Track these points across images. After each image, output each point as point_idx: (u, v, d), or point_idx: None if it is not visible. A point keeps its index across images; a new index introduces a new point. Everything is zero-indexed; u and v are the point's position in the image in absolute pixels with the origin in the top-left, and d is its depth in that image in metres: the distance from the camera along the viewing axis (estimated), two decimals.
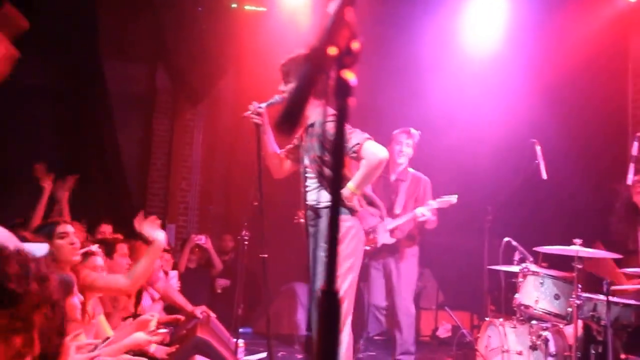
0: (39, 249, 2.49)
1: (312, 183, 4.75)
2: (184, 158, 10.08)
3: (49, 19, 8.09)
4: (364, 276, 6.49)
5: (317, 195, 4.63)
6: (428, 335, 9.22)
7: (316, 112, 4.56)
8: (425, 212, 6.37)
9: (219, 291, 8.85)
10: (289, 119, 1.14)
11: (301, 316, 8.45)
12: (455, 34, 8.77)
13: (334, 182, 1.17)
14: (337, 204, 1.18)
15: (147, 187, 9.76)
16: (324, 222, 4.58)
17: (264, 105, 4.74)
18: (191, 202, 9.95)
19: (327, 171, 4.53)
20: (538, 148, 6.31)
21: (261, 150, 4.75)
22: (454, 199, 6.40)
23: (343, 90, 1.20)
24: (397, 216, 6.47)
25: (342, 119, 1.18)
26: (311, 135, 4.70)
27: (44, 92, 8.32)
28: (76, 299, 3.73)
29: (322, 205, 4.62)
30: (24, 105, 8.13)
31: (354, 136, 4.53)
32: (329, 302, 1.14)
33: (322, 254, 4.45)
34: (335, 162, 1.19)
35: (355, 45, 1.21)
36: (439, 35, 8.55)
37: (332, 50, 1.16)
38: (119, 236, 5.33)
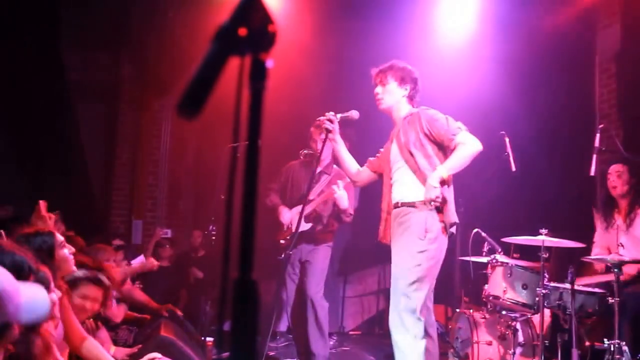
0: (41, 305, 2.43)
1: (401, 178, 4.69)
2: (151, 151, 9.87)
3: (4, 2, 7.94)
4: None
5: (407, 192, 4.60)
6: None
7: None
8: (337, 188, 6.18)
9: (192, 282, 8.79)
10: (193, 100, 1.10)
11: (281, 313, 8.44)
12: (427, 26, 8.76)
13: (249, 173, 1.14)
14: (252, 197, 1.14)
15: (112, 182, 9.59)
16: (414, 218, 4.48)
17: (339, 116, 4.80)
18: (159, 197, 9.80)
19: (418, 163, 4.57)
20: (507, 140, 6.32)
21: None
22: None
23: (258, 73, 1.17)
24: (311, 201, 6.40)
25: (257, 103, 1.15)
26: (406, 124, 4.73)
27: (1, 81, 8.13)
28: (54, 295, 3.69)
29: (411, 201, 4.55)
30: None
31: (450, 121, 4.65)
32: (245, 290, 1.11)
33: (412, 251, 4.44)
34: (251, 151, 1.16)
35: (271, 28, 1.18)
36: (410, 27, 8.54)
37: (243, 32, 1.13)
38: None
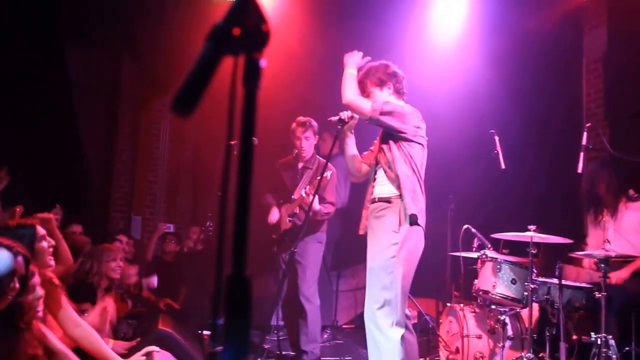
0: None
1: (380, 175, 4.72)
2: (150, 149, 9.85)
3: (7, 2, 7.89)
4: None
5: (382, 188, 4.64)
6: None
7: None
8: (304, 193, 6.16)
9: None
10: (186, 99, 1.09)
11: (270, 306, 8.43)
12: (417, 26, 8.75)
13: (242, 171, 1.13)
14: (245, 194, 1.13)
15: (112, 179, 9.57)
16: (389, 212, 4.54)
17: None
18: (158, 194, 9.78)
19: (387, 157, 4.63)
20: (497, 139, 6.34)
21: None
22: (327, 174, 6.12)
23: (252, 73, 1.15)
24: (294, 201, 6.40)
25: (251, 102, 1.14)
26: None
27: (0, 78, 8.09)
28: (45, 244, 3.74)
29: (386, 196, 4.60)
30: None
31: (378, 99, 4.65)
32: (237, 288, 1.10)
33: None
34: (244, 150, 1.15)
35: (265, 27, 1.16)
36: (401, 28, 8.53)
37: (237, 31, 1.12)
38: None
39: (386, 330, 4.37)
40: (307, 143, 6.45)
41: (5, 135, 8.03)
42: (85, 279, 4.89)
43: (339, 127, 4.79)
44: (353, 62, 4.73)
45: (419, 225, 4.56)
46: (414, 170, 4.59)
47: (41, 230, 3.94)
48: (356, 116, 4.74)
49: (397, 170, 4.54)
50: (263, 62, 1.17)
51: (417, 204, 4.57)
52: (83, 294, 4.81)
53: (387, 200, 4.56)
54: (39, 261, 3.73)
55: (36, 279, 3.27)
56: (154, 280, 6.66)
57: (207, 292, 7.50)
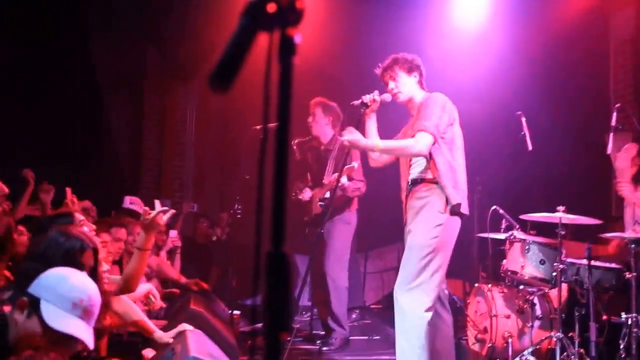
0: None
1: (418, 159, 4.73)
2: (177, 135, 9.93)
3: None
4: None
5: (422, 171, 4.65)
6: None
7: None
8: (343, 179, 6.14)
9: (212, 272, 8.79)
10: (223, 75, 1.08)
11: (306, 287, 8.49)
12: (442, 10, 8.66)
13: (279, 149, 1.12)
14: (282, 172, 1.12)
15: (140, 165, 9.66)
16: (434, 194, 4.55)
17: (379, 97, 4.76)
18: (185, 178, 9.85)
19: None
20: (524, 120, 6.26)
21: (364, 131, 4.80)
22: (354, 164, 6.08)
23: (287, 49, 1.14)
24: (324, 186, 6.38)
25: (286, 79, 1.12)
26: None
27: (30, 70, 8.17)
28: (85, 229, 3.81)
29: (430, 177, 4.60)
30: (8, 83, 8.01)
31: (434, 117, 4.57)
32: (275, 264, 1.09)
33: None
34: (281, 128, 1.13)
35: (299, 4, 1.14)
36: (426, 12, 8.45)
37: (272, 7, 1.11)
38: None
39: (417, 311, 4.39)
40: (318, 125, 6.47)
41: (36, 123, 8.13)
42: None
43: (362, 110, 4.79)
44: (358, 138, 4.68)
45: (461, 213, 4.58)
46: (454, 157, 4.62)
47: (79, 217, 3.98)
48: (378, 99, 4.74)
49: (437, 160, 4.55)
50: (298, 38, 1.15)
51: (459, 192, 4.58)
52: None
53: (430, 181, 4.57)
54: None
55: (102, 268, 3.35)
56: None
57: (236, 274, 7.57)
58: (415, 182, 4.66)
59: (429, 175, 4.57)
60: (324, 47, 8.08)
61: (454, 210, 4.52)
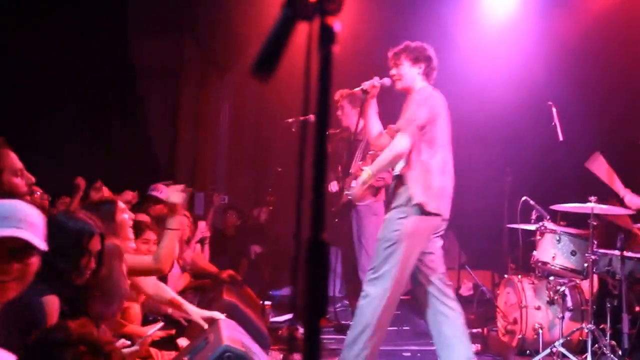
0: None
1: None
2: (211, 128, 9.99)
3: None
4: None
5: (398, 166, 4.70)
6: None
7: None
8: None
9: (252, 257, 8.85)
10: (265, 64, 1.08)
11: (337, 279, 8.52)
12: (470, 4, 8.59)
13: (318, 140, 1.12)
14: (321, 160, 1.12)
15: (175, 157, 9.72)
16: (403, 189, 4.60)
17: (378, 83, 4.81)
18: (219, 170, 9.91)
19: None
20: (554, 110, 6.19)
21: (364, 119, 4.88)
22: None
23: (327, 37, 1.13)
24: (351, 175, 6.38)
25: (326, 67, 1.12)
26: None
27: (68, 64, 8.26)
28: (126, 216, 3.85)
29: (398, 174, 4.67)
30: (48, 80, 8.10)
31: (408, 117, 4.58)
32: (314, 252, 1.09)
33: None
34: (320, 118, 1.13)
35: None
36: (453, 6, 8.39)
37: None
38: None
39: (376, 296, 4.48)
40: (347, 117, 6.47)
41: (75, 117, 8.23)
42: None
43: (363, 97, 4.84)
44: None
45: (429, 212, 4.55)
46: (431, 156, 4.61)
47: (121, 205, 4.04)
48: (377, 84, 4.79)
49: (411, 158, 4.57)
50: (337, 27, 1.14)
51: (430, 192, 4.56)
52: None
53: (402, 178, 4.60)
54: (120, 233, 3.82)
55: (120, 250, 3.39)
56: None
57: (268, 265, 7.60)
58: (394, 179, 4.74)
59: (403, 172, 4.61)
60: (355, 37, 8.06)
61: (420, 210, 4.51)
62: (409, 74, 4.76)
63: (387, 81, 4.80)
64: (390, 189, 4.81)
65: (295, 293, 1.13)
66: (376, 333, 4.46)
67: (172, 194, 4.10)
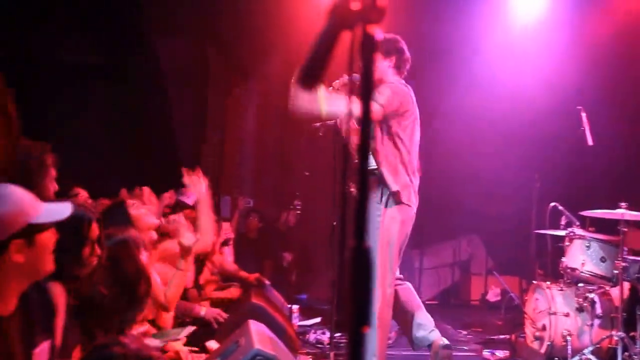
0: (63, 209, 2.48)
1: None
2: (237, 132, 10.04)
3: None
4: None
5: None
6: (477, 299, 9.16)
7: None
8: None
9: (284, 264, 8.84)
10: (311, 73, 1.09)
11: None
12: (498, 6, 8.55)
13: (362, 143, 1.13)
14: (364, 164, 1.13)
15: (201, 161, 9.76)
16: (373, 182, 4.66)
17: (348, 79, 4.80)
18: (245, 174, 9.94)
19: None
20: (583, 115, 6.13)
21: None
22: None
23: (368, 45, 1.14)
24: None
25: (368, 74, 1.13)
26: None
27: (95, 70, 8.35)
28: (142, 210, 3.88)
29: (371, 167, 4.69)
30: (75, 84, 8.19)
31: (383, 96, 4.58)
32: (359, 258, 1.10)
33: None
34: (364, 121, 1.14)
35: (380, 1, 1.15)
36: (481, 8, 8.35)
37: (356, 5, 1.11)
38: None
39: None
40: None
41: (101, 122, 8.31)
42: None
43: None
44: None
45: (403, 203, 4.64)
46: (398, 149, 4.65)
47: (129, 200, 4.08)
48: (347, 82, 4.80)
49: (378, 150, 4.59)
50: (379, 35, 1.16)
51: (399, 181, 4.63)
52: None
53: (371, 172, 4.60)
54: (139, 226, 3.85)
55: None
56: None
57: (294, 269, 7.61)
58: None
59: (372, 166, 4.63)
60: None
61: (397, 200, 4.62)
62: (380, 67, 4.77)
63: (356, 77, 4.79)
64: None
65: (337, 300, 1.13)
66: (379, 330, 4.56)
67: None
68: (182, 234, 4.11)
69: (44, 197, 2.80)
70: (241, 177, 9.96)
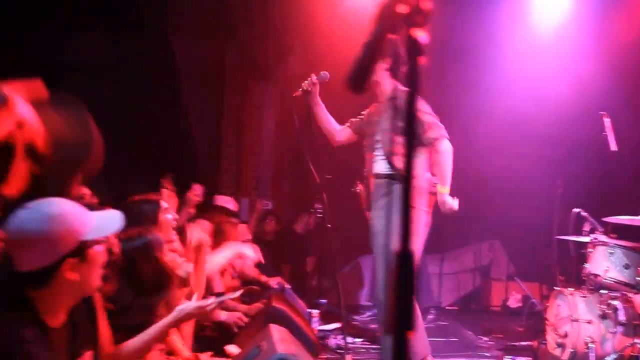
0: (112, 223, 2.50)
1: (380, 154, 4.86)
2: (255, 134, 10.03)
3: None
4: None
5: (385, 165, 4.79)
6: (498, 305, 9.10)
7: (394, 88, 4.72)
8: None
9: (308, 270, 8.83)
10: (359, 76, 1.09)
11: (366, 287, 8.52)
12: (522, 7, 8.51)
13: (408, 149, 1.12)
14: (409, 170, 1.12)
15: (219, 163, 9.79)
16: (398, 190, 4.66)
17: (316, 79, 4.98)
18: (263, 176, 9.94)
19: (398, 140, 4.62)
20: (607, 120, 6.09)
21: (313, 121, 5.20)
22: None
23: (414, 49, 1.14)
24: None
25: (414, 79, 1.12)
26: (388, 108, 4.82)
27: (114, 70, 8.40)
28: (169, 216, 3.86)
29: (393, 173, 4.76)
30: (94, 84, 8.24)
31: (435, 128, 4.69)
32: (403, 263, 1.09)
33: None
34: (409, 127, 1.14)
35: (425, 4, 1.15)
36: (505, 9, 8.32)
37: (403, 9, 1.11)
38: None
39: None
40: None
41: (120, 123, 8.35)
42: None
43: (306, 98, 5.07)
44: None
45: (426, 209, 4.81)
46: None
47: (165, 204, 4.05)
48: (316, 81, 4.97)
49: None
50: (424, 39, 1.15)
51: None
52: None
53: (394, 178, 4.70)
54: (162, 231, 3.82)
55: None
56: None
57: (314, 273, 7.60)
58: (378, 177, 4.91)
59: (392, 172, 4.76)
60: None
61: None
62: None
63: (325, 75, 4.93)
64: (379, 187, 4.87)
65: (384, 305, 1.13)
66: None
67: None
68: (179, 265, 3.92)
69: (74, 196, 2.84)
70: (259, 179, 9.95)
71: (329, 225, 5.04)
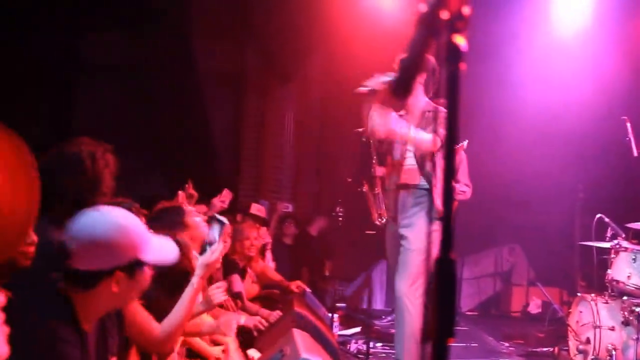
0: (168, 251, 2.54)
1: (411, 163, 4.88)
2: (276, 136, 10.02)
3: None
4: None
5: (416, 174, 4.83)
6: (519, 311, 9.05)
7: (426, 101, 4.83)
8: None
9: (327, 274, 8.81)
10: (403, 82, 1.09)
11: (379, 293, 8.51)
12: (544, 11, 8.47)
13: (448, 155, 1.12)
14: (450, 178, 1.12)
15: (239, 165, 9.78)
16: (427, 198, 4.80)
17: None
18: (283, 178, 9.93)
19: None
20: (629, 125, 6.05)
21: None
22: None
23: (454, 55, 1.14)
24: None
25: (454, 85, 1.12)
26: (419, 119, 4.84)
27: (134, 71, 8.42)
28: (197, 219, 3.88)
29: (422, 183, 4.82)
30: (114, 85, 8.28)
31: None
32: (444, 270, 1.09)
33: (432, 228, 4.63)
34: (450, 134, 1.13)
35: (466, 10, 1.15)
36: (528, 13, 8.29)
37: (445, 14, 1.11)
38: None
39: (416, 301, 4.69)
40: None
41: (139, 124, 8.38)
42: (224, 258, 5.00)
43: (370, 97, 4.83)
44: None
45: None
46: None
47: (187, 207, 4.07)
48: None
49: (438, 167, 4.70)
50: (464, 45, 1.15)
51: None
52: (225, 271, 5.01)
53: (423, 188, 4.80)
54: (193, 235, 3.83)
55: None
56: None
57: (335, 277, 7.59)
58: (406, 187, 4.93)
59: (422, 182, 4.85)
60: None
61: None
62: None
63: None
64: (408, 196, 4.87)
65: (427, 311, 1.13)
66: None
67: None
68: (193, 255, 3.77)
69: (109, 194, 2.87)
70: (280, 181, 9.94)
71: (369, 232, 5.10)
